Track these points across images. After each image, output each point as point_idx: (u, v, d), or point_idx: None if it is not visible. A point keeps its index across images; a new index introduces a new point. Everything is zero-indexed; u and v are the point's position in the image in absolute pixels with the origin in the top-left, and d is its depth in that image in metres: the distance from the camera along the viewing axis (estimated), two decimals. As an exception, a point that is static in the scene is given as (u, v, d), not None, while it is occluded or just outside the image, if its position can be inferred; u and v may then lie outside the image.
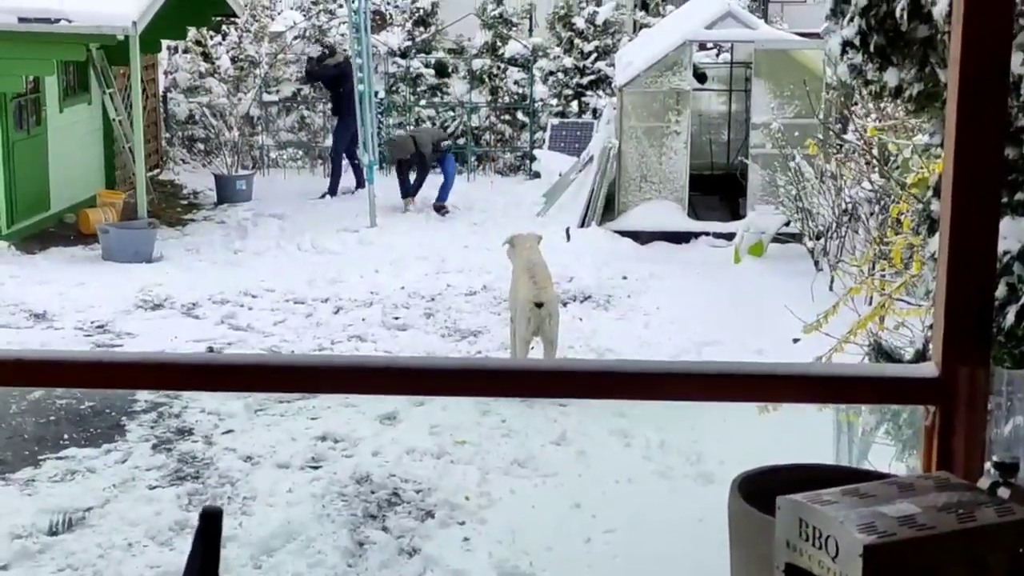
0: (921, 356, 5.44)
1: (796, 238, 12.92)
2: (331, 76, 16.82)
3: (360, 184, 16.40)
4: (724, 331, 10.54)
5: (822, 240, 12.46)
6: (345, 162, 16.87)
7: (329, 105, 17.57)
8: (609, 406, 7.94)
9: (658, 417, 7.94)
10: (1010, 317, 4.34)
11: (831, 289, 11.08)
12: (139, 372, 2.23)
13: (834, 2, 4.95)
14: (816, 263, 12.39)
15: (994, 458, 1.94)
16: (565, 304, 11.69)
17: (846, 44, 4.79)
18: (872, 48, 4.71)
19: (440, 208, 15.60)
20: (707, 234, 14.18)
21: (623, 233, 14.15)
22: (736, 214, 14.62)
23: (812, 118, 13.35)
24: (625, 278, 12.58)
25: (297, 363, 2.41)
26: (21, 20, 12.98)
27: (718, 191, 15.83)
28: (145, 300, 11.69)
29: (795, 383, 2.28)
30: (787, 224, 13.04)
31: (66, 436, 8.18)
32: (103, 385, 2.22)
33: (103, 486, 7.37)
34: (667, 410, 7.60)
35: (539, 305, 9.21)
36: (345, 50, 17.55)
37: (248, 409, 8.56)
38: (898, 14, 4.60)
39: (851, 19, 4.76)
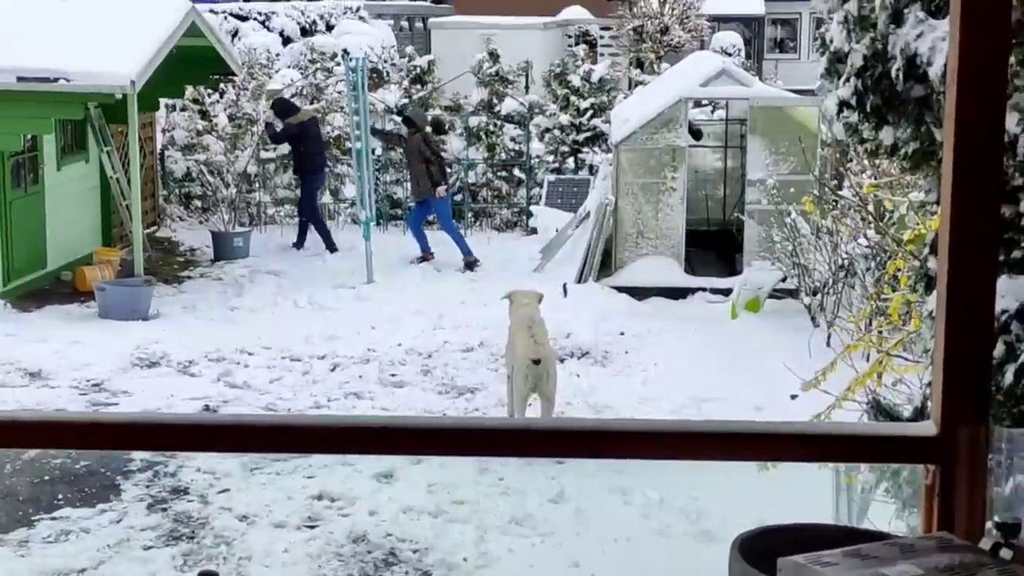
0: (920, 413, 5.43)
1: (793, 294, 12.92)
2: (295, 135, 16.81)
3: (299, 244, 16.54)
4: (722, 387, 10.51)
5: (819, 296, 12.46)
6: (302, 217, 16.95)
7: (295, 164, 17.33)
8: (608, 463, 7.91)
9: (657, 474, 7.91)
10: (1009, 376, 4.34)
11: (828, 345, 11.06)
12: (134, 433, 2.22)
13: (829, 61, 4.98)
14: (813, 319, 12.38)
15: (996, 518, 1.93)
16: (562, 360, 11.66)
17: (842, 103, 4.82)
18: (868, 108, 4.74)
19: (471, 263, 15.62)
20: (704, 290, 14.18)
21: (620, 289, 14.15)
22: (733, 270, 14.62)
23: (808, 174, 13.39)
24: (622, 334, 12.56)
25: (293, 423, 2.40)
26: (20, 79, 13.06)
27: (714, 247, 15.84)
28: (141, 358, 11.66)
29: (795, 442, 2.27)
30: (784, 280, 13.04)
31: (60, 496, 8.13)
32: (98, 447, 2.21)
33: (97, 547, 7.31)
34: (666, 467, 7.56)
35: (536, 362, 9.19)
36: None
37: (244, 468, 8.52)
38: (894, 74, 4.63)
39: (847, 79, 4.80)
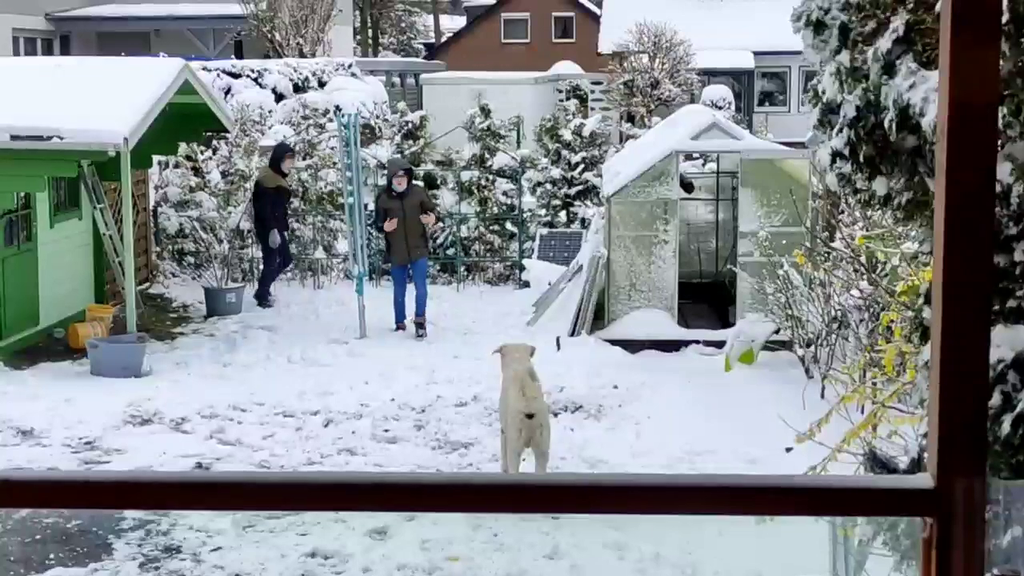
0: (916, 465, 5.40)
1: (786, 346, 12.92)
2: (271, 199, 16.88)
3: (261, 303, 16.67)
4: (716, 440, 10.49)
5: (812, 348, 12.46)
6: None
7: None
8: (602, 518, 7.86)
9: (652, 529, 7.86)
10: (1006, 426, 4.32)
11: (823, 397, 11.05)
12: (127, 492, 2.19)
13: (821, 112, 5.01)
14: (807, 371, 12.38)
15: (994, 571, 1.91)
16: (556, 415, 11.64)
17: (835, 154, 4.84)
18: (862, 158, 4.76)
19: (420, 324, 15.14)
20: (697, 342, 14.18)
21: (613, 342, 14.15)
22: (726, 322, 14.63)
23: (799, 226, 13.44)
24: (616, 387, 12.54)
25: (286, 480, 2.38)
26: (13, 138, 13.09)
27: (707, 299, 15.86)
28: (134, 415, 11.62)
29: (790, 495, 2.25)
30: (777, 332, 13.04)
31: (52, 556, 8.06)
32: (90, 506, 2.19)
33: (89, 606, 7.24)
34: (661, 521, 7.52)
35: (530, 416, 9.16)
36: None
37: (236, 525, 8.46)
38: (887, 125, 4.65)
39: (840, 130, 4.82)
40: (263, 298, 16.76)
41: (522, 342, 10.75)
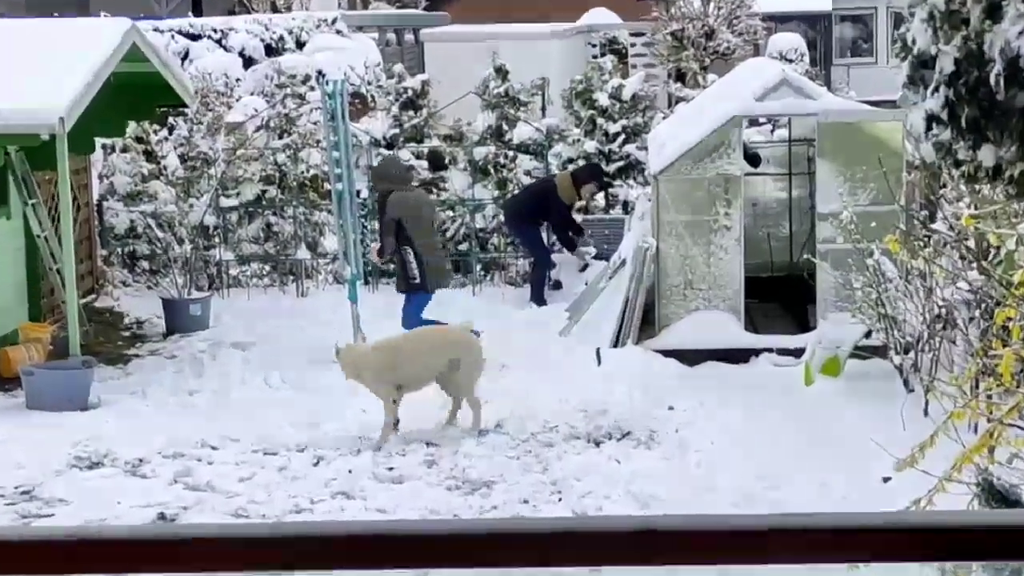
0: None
1: (880, 352, 12.89)
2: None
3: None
4: (795, 471, 10.49)
5: (912, 353, 12.43)
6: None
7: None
8: (657, 570, 7.85)
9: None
10: None
11: (926, 414, 11.02)
12: (74, 553, 2.21)
13: (912, 67, 4.99)
14: (906, 382, 12.35)
15: None
16: (598, 443, 11.67)
17: (931, 118, 4.82)
18: (963, 122, 4.73)
19: None
20: (769, 350, 14.16)
21: (666, 353, 14.13)
22: (804, 325, 14.60)
23: (892, 204, 13.40)
24: (671, 408, 12.54)
25: (269, 533, 2.39)
26: (-76, 120, 13.17)
27: (780, 297, 15.82)
28: (80, 457, 11.66)
29: (890, 537, 2.25)
30: (868, 335, 13.01)
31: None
32: (30, 571, 2.20)
33: None
34: (729, 572, 7.51)
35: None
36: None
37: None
38: (992, 81, 4.62)
39: (936, 88, 4.80)
40: (540, 298, 17.25)
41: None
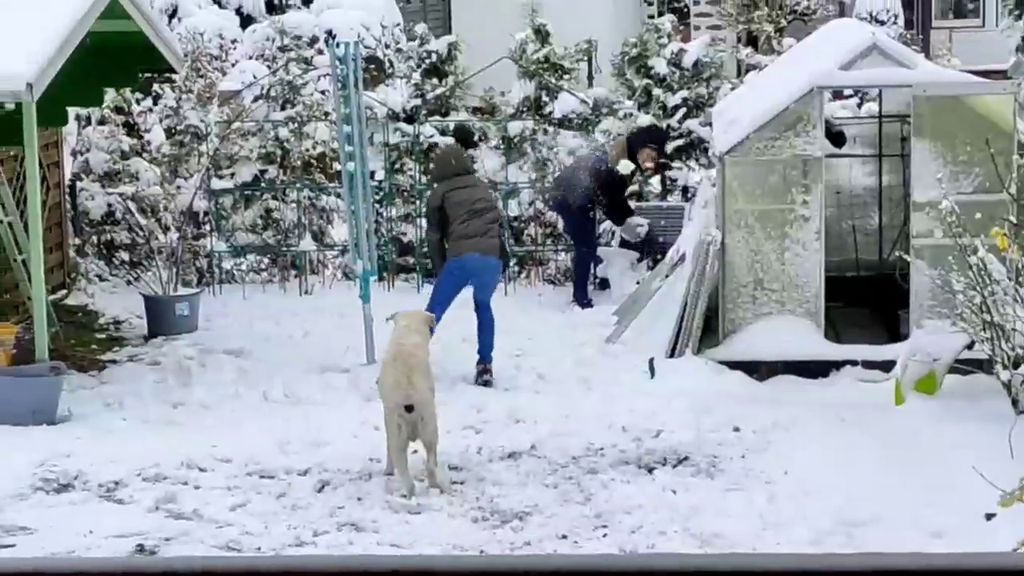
0: None
1: (984, 366, 12.84)
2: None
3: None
4: (884, 504, 10.46)
5: (1022, 368, 12.38)
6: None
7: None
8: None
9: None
10: None
11: (1038, 439, 11.01)
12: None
13: (1026, 29, 4.97)
14: (1015, 402, 12.31)
15: None
16: (651, 470, 11.65)
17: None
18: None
19: (483, 372, 14.51)
20: (854, 363, 14.13)
21: (732, 364, 14.13)
22: (895, 333, 14.56)
23: (1000, 192, 13.35)
24: (737, 430, 12.53)
25: (265, 568, 2.40)
26: None
27: (868, 301, 15.78)
28: (47, 479, 11.70)
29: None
30: (970, 347, 12.97)
31: None
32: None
33: None
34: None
35: (409, 409, 10.73)
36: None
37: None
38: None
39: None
40: (584, 299, 17.42)
41: (418, 309, 12.29)
